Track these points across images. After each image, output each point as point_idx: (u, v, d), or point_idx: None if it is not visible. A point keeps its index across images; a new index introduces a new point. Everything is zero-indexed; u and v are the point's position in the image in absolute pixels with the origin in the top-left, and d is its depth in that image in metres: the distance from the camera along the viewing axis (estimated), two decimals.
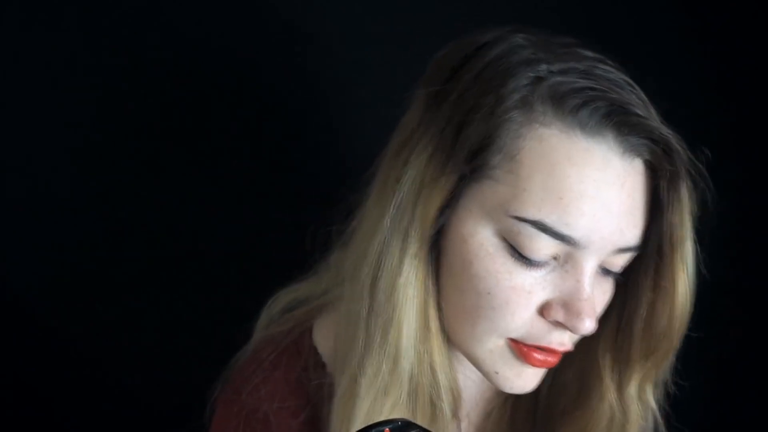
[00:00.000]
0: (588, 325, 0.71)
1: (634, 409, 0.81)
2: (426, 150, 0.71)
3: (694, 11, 1.05)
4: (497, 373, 0.75)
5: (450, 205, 0.71)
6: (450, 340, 0.77)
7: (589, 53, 0.74)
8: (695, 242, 0.77)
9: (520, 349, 0.72)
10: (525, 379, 0.75)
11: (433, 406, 0.77)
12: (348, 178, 0.81)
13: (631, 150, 0.69)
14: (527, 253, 0.69)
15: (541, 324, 0.72)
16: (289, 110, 1.09)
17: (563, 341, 0.73)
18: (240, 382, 0.82)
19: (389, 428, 0.60)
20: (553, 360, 0.74)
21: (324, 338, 0.82)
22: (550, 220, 0.67)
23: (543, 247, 0.69)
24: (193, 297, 1.11)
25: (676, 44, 1.07)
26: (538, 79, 0.69)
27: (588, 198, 0.68)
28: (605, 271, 0.74)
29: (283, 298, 0.89)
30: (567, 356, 0.81)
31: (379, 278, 0.73)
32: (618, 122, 0.68)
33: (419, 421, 0.76)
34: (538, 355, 0.73)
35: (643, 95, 0.73)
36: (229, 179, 1.11)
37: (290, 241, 0.88)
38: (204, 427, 0.89)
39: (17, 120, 1.08)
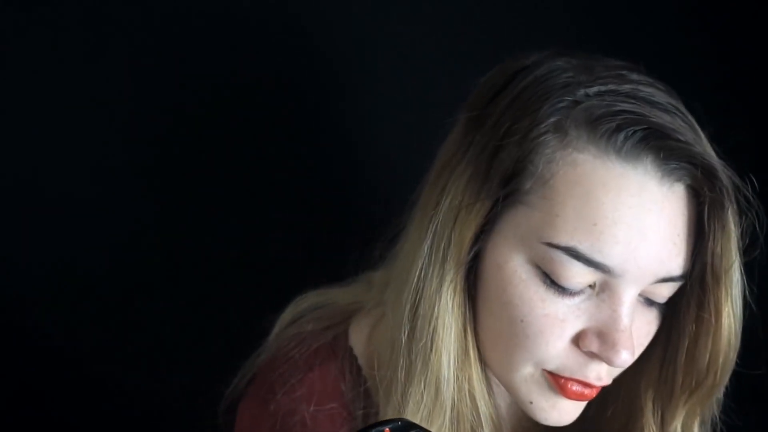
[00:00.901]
0: (624, 358, 0.68)
1: None
2: (464, 175, 0.71)
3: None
4: (531, 403, 0.73)
5: (485, 230, 0.70)
6: (488, 367, 0.76)
7: (635, 76, 0.71)
8: (742, 273, 0.73)
9: (557, 381, 0.71)
10: (560, 411, 0.73)
11: None
12: (362, 179, 0.80)
13: (669, 175, 0.67)
14: (561, 281, 0.67)
15: (576, 355, 0.70)
16: (307, 113, 1.09)
17: (600, 375, 0.71)
18: (274, 380, 0.80)
19: (389, 428, 0.59)
20: (589, 393, 0.72)
21: (360, 342, 0.81)
22: (583, 248, 0.66)
23: (576, 274, 0.67)
24: (201, 296, 1.11)
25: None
26: (575, 103, 0.68)
27: (623, 225, 0.66)
28: (649, 301, 0.72)
29: (311, 298, 0.88)
30: (608, 389, 0.78)
31: (419, 304, 0.72)
32: (656, 146, 0.66)
33: None
34: (574, 387, 0.71)
35: (691, 119, 0.70)
36: (238, 177, 1.11)
37: (299, 242, 0.89)
38: (214, 426, 0.89)
39: (17, 120, 1.09)
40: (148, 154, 1.11)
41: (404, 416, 0.75)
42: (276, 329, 0.90)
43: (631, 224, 0.66)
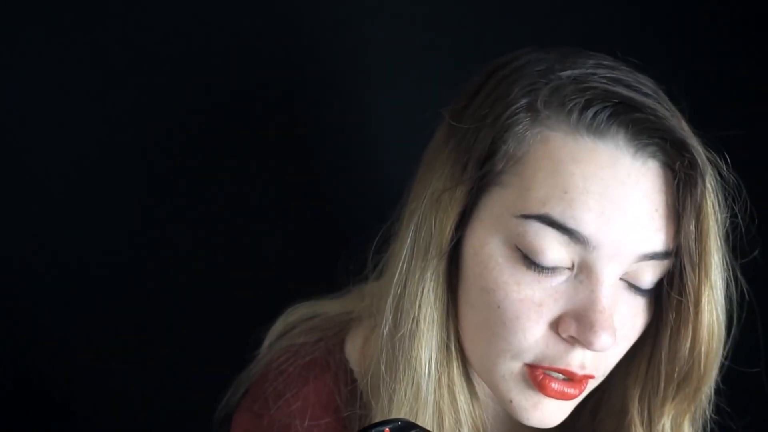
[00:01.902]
0: (604, 340, 0.65)
1: None
2: (445, 166, 0.71)
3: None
4: (511, 401, 0.71)
5: (464, 218, 0.70)
6: (470, 366, 0.75)
7: (610, 62, 0.71)
8: (727, 259, 0.72)
9: (536, 376, 0.68)
10: (543, 411, 0.71)
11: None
12: (354, 190, 0.80)
13: (642, 150, 0.67)
14: (536, 256, 0.66)
15: (555, 342, 0.67)
16: (299, 123, 1.10)
17: (584, 363, 0.68)
18: (268, 394, 0.79)
19: (389, 428, 0.59)
20: (572, 392, 0.69)
21: (355, 354, 0.80)
22: (555, 213, 0.65)
23: (551, 246, 0.65)
24: (192, 308, 1.10)
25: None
26: (546, 83, 0.68)
27: (594, 194, 0.65)
28: (634, 288, 0.70)
29: (302, 309, 0.87)
30: (599, 395, 0.77)
31: (402, 297, 0.72)
32: (626, 121, 0.66)
33: None
34: (554, 385, 0.68)
35: (664, 96, 0.70)
36: (228, 189, 1.12)
37: (289, 253, 0.89)
38: None
39: (16, 120, 1.10)
40: (138, 170, 1.11)
41: (392, 415, 0.74)
42: (267, 341, 0.89)
43: (602, 194, 0.65)
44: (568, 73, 0.68)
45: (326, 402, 0.78)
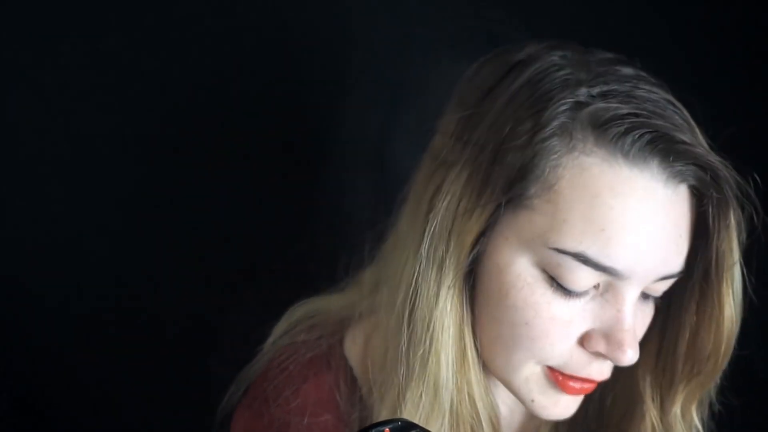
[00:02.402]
0: (630, 356, 0.69)
1: (678, 429, 0.80)
2: (460, 178, 0.70)
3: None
4: (533, 401, 0.74)
5: (486, 234, 0.70)
6: (486, 368, 0.76)
7: (629, 71, 0.71)
8: (742, 266, 0.75)
9: (557, 377, 0.72)
10: (562, 406, 0.75)
11: None
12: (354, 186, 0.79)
13: (675, 177, 0.68)
14: (567, 284, 0.68)
15: (580, 354, 0.71)
16: (307, 117, 1.08)
17: (602, 371, 0.72)
18: (268, 392, 0.80)
19: (389, 428, 0.59)
20: (589, 387, 0.73)
21: (355, 352, 0.81)
22: (591, 252, 0.66)
23: (584, 278, 0.67)
24: (195, 307, 1.10)
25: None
26: (578, 105, 0.67)
27: (631, 229, 0.66)
28: (645, 295, 0.73)
29: (305, 306, 0.87)
30: (606, 382, 0.79)
31: (415, 309, 0.72)
32: (663, 149, 0.67)
33: None
34: (574, 384, 0.72)
35: (687, 115, 0.70)
36: (228, 187, 1.11)
37: (291, 251, 0.89)
38: None
39: (14, 119, 1.09)
40: (139, 169, 1.10)
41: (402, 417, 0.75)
42: (270, 339, 0.88)
43: (639, 228, 0.66)
44: (597, 89, 0.67)
45: (326, 399, 0.79)
